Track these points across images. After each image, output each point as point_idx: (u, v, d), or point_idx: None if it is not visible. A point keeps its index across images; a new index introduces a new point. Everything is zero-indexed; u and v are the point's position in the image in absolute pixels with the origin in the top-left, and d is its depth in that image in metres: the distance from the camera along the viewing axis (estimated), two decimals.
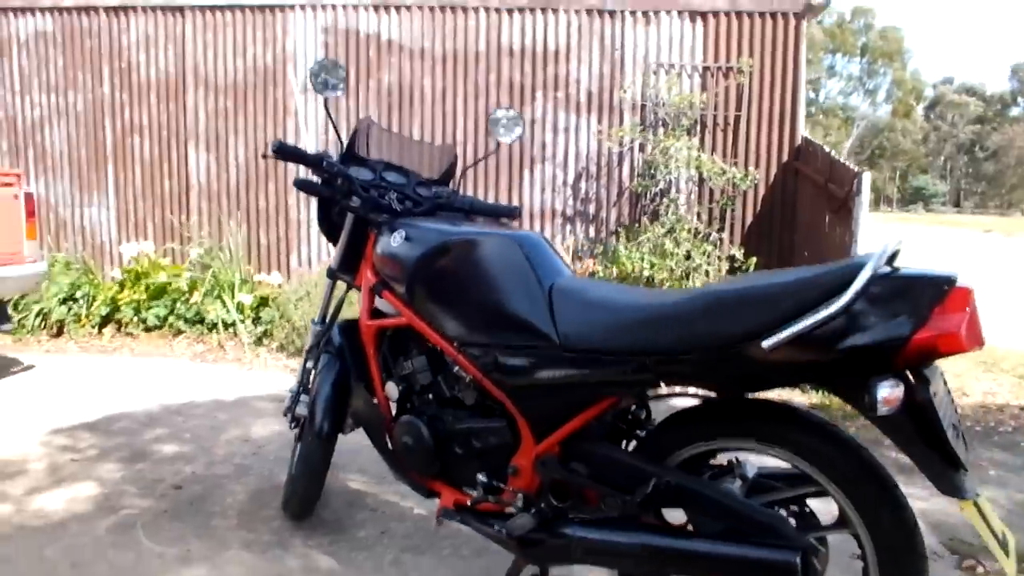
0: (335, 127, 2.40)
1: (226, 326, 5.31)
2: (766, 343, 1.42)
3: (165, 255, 6.01)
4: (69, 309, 5.54)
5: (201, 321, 5.39)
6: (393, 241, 2.13)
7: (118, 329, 5.50)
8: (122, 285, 5.60)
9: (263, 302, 5.44)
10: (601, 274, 5.20)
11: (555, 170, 5.57)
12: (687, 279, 4.99)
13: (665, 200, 5.24)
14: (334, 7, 5.76)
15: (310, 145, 5.87)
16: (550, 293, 1.84)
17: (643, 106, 5.40)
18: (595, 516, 1.74)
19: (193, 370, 4.74)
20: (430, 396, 2.13)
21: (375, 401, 2.26)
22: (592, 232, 5.56)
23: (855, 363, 1.38)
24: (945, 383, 1.48)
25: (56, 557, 2.43)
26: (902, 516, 1.43)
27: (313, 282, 5.19)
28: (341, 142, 2.40)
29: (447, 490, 2.08)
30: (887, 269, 1.40)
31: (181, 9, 5.93)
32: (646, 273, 4.82)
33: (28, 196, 4.33)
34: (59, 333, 5.51)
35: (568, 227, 5.60)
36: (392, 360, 2.24)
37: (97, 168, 6.22)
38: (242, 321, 5.28)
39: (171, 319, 5.43)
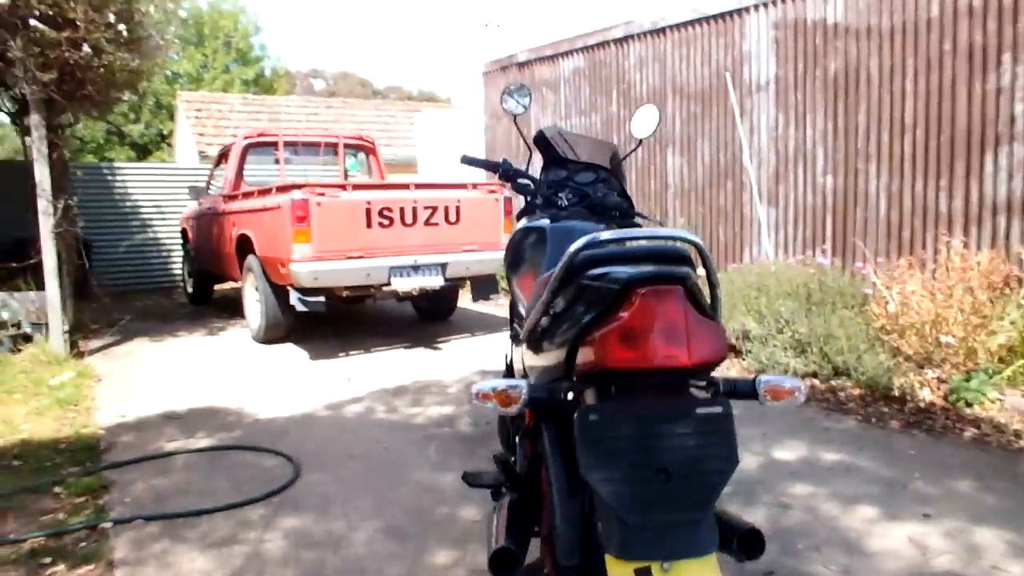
0: (523, 137, 2.79)
1: None
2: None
3: None
4: None
5: None
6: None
7: None
8: None
9: None
10: None
11: None
12: None
13: None
14: (784, 0, 5.64)
15: (762, 142, 5.89)
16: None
17: None
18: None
19: None
20: None
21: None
22: None
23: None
24: (715, 420, 1.17)
25: (381, 441, 3.55)
26: None
27: (730, 278, 5.32)
28: (529, 148, 2.78)
29: None
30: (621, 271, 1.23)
31: (664, 30, 6.67)
32: None
33: (507, 200, 5.77)
34: None
35: None
36: None
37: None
38: None
39: None
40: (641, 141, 2.67)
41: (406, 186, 5.36)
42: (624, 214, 2.55)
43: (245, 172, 7.05)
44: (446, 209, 5.45)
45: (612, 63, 7.28)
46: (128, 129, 21.26)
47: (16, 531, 2.65)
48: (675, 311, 1.13)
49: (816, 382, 4.24)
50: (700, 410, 1.18)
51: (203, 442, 3.59)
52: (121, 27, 4.56)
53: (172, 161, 18.77)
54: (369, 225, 5.13)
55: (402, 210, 5.27)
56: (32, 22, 4.22)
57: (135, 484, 3.08)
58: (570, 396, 1.28)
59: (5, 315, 5.71)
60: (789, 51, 5.63)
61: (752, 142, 5.99)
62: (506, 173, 2.71)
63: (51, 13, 4.28)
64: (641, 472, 1.12)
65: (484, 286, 5.93)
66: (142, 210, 10.40)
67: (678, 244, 1.31)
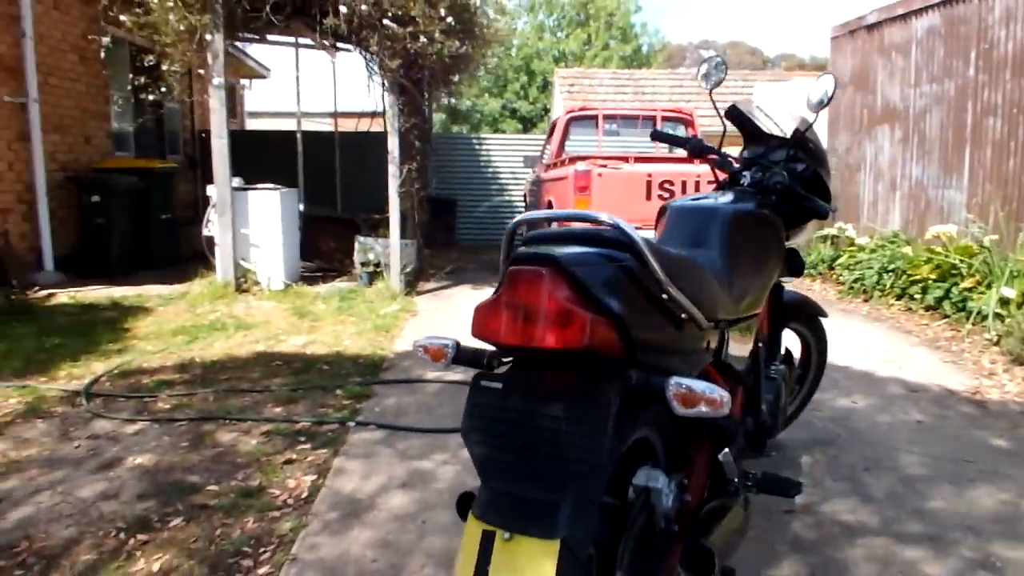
0: (717, 111, 2.70)
1: (983, 317, 4.97)
2: None
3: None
4: (879, 279, 6.22)
5: (963, 308, 5.18)
6: None
7: (907, 302, 5.83)
8: (926, 262, 5.84)
9: None
10: None
11: None
12: None
13: None
14: None
15: None
16: None
17: None
18: None
19: (897, 349, 4.79)
20: None
21: None
22: None
23: None
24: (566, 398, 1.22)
25: None
26: None
27: None
28: (723, 122, 2.70)
29: None
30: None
31: None
32: None
33: None
34: (870, 298, 6.27)
35: None
36: None
37: (957, 150, 6.42)
38: (998, 316, 4.83)
39: (945, 302, 5.41)
40: (817, 115, 2.42)
41: (690, 160, 5.31)
42: (787, 196, 2.35)
43: (570, 144, 7.63)
44: None
45: (973, 19, 6.12)
46: (517, 105, 23.91)
47: (299, 414, 3.52)
48: (534, 293, 1.16)
49: None
50: (579, 397, 1.20)
51: (455, 376, 4.20)
52: (450, 19, 5.36)
53: None
54: (649, 197, 5.26)
55: (684, 183, 5.28)
56: (385, 22, 5.22)
57: (389, 398, 3.79)
58: (494, 361, 1.37)
59: (371, 256, 7.16)
60: None
61: None
62: (694, 149, 2.69)
63: (399, 13, 5.24)
64: (509, 443, 1.18)
65: None
66: (500, 176, 11.84)
67: (609, 228, 1.31)
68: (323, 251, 8.00)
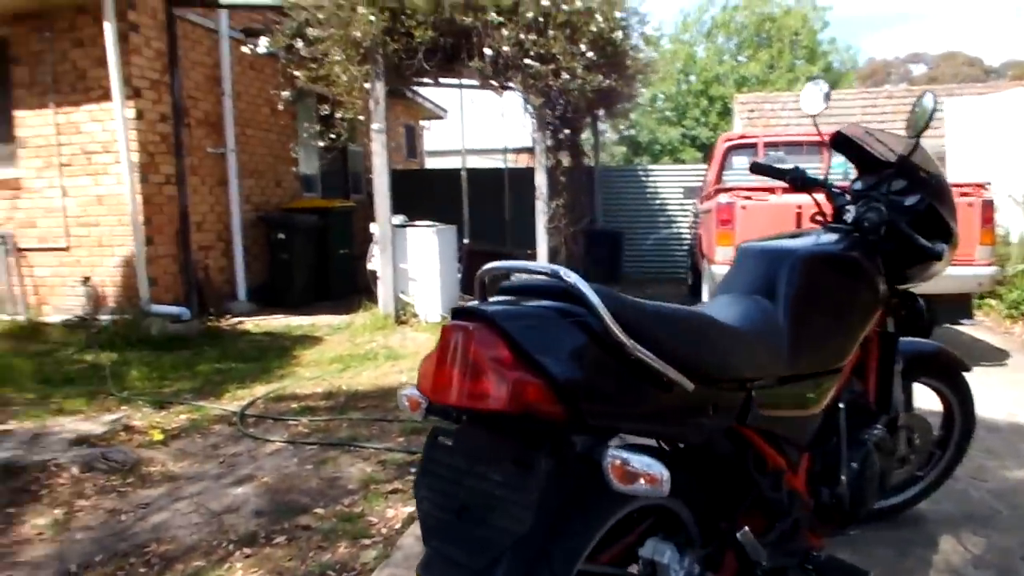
0: (822, 138, 2.48)
1: None
2: None
3: None
4: None
5: None
6: None
7: None
8: None
9: None
10: None
11: None
12: None
13: None
14: None
15: None
16: None
17: None
18: None
19: None
20: None
21: None
22: None
23: None
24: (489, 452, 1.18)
25: None
26: None
27: None
28: (827, 152, 2.48)
29: None
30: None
31: None
32: None
33: (986, 204, 4.72)
34: None
35: None
36: None
37: None
38: None
39: None
40: (918, 138, 2.13)
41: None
42: (890, 234, 2.08)
43: (729, 174, 7.31)
44: None
45: None
46: (696, 132, 23.32)
47: (418, 446, 3.64)
48: (461, 349, 1.11)
49: None
50: (512, 461, 1.14)
51: None
52: (590, 54, 5.39)
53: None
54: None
55: None
56: (527, 61, 5.36)
57: None
58: (463, 416, 1.32)
59: None
60: None
61: None
62: (795, 181, 2.48)
63: (541, 52, 5.36)
64: (447, 502, 1.16)
65: (952, 307, 4.97)
66: (668, 207, 11.57)
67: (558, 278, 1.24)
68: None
